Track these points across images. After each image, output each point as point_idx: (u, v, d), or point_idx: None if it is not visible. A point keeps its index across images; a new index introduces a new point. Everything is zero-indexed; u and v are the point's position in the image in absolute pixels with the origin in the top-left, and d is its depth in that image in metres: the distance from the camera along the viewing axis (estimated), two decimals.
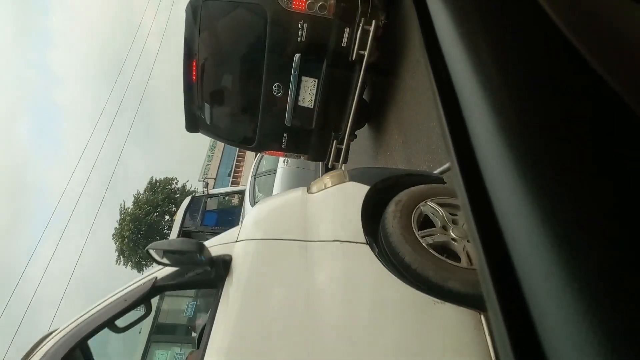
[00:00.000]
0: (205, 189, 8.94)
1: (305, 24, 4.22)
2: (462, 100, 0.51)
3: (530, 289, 0.37)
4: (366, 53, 4.26)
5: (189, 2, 4.25)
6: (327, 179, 2.70)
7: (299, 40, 4.28)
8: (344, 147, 4.90)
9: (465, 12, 0.58)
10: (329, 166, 5.17)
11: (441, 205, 2.43)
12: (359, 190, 2.53)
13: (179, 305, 3.30)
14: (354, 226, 2.30)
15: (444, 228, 2.35)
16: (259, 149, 5.26)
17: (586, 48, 0.46)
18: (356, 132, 5.03)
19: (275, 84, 4.58)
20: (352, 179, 2.64)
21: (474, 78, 0.50)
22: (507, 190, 0.41)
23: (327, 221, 2.37)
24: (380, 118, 5.24)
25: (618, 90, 0.42)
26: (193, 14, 4.30)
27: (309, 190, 2.70)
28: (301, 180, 6.86)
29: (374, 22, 4.14)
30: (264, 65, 4.48)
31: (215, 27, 4.44)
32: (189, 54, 4.52)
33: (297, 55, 4.37)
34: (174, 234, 8.39)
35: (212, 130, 5.09)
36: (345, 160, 5.06)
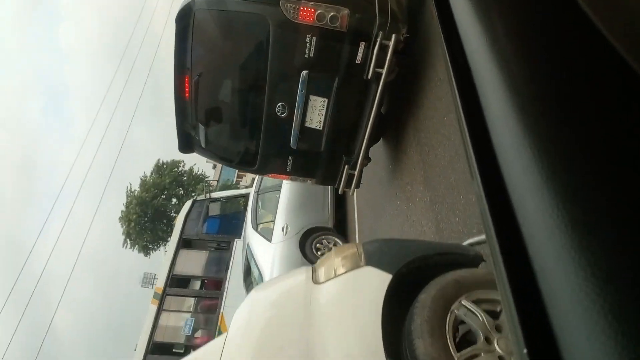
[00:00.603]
0: (207, 194, 8.45)
1: (314, 38, 3.62)
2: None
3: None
4: (384, 71, 3.67)
5: (179, 11, 3.65)
6: (337, 260, 2.16)
7: (306, 55, 3.69)
8: (356, 173, 4.35)
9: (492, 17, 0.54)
10: (339, 192, 4.63)
11: (479, 302, 1.91)
12: (378, 283, 2.00)
13: None
14: (373, 343, 1.78)
15: (487, 341, 1.83)
16: (261, 171, 4.74)
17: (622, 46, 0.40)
18: (370, 154, 4.46)
19: (280, 104, 4.01)
20: (369, 261, 2.12)
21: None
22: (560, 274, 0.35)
23: (337, 335, 1.84)
24: (398, 136, 4.66)
25: None
26: (183, 24, 3.72)
27: (315, 276, 2.16)
28: (308, 199, 6.35)
29: (393, 36, 3.54)
30: (266, 83, 3.91)
31: (210, 40, 3.86)
32: (181, 69, 3.96)
33: (304, 73, 3.79)
34: (173, 241, 7.97)
35: (208, 151, 4.55)
36: (357, 186, 4.51)
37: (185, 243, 7.95)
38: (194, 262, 8.92)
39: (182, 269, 8.48)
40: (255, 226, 6.61)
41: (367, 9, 3.59)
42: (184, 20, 3.69)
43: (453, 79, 0.57)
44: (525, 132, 0.42)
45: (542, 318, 0.35)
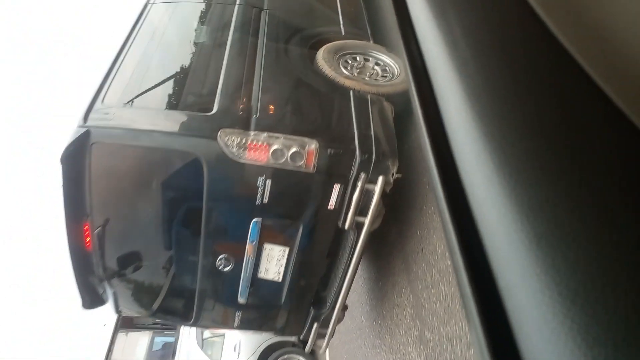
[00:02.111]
0: None
1: (269, 181, 2.54)
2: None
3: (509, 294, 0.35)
4: (367, 220, 2.65)
5: (65, 149, 2.45)
6: None
7: (257, 202, 2.60)
8: (328, 332, 3.28)
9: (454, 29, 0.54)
10: (306, 350, 3.54)
11: None
12: None
13: None
14: None
15: None
16: (199, 325, 3.58)
17: (569, 42, 0.44)
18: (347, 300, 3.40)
19: (221, 256, 2.89)
20: None
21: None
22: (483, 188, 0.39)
23: None
24: (382, 266, 3.64)
25: (592, 75, 0.41)
26: (74, 164, 2.52)
27: None
28: None
29: (380, 178, 2.52)
30: (200, 234, 2.77)
31: (117, 181, 2.69)
32: (75, 216, 2.74)
33: (256, 221, 2.69)
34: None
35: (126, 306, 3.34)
36: (328, 343, 3.45)
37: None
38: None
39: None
40: (200, 340, 5.36)
41: (342, 141, 2.56)
42: (75, 158, 2.50)
43: (413, 85, 0.57)
44: (486, 144, 0.41)
45: (509, 339, 0.34)
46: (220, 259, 2.90)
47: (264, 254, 2.90)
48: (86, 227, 2.81)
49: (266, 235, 2.79)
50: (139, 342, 8.43)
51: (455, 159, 0.45)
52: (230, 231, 2.80)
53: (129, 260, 3.04)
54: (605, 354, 0.29)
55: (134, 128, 2.48)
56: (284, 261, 2.94)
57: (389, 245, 3.32)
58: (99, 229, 2.78)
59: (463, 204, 0.42)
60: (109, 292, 3.13)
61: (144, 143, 2.47)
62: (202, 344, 5.36)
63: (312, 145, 2.50)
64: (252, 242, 2.79)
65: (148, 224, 2.83)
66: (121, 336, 8.07)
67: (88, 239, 2.86)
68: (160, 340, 8.38)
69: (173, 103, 2.78)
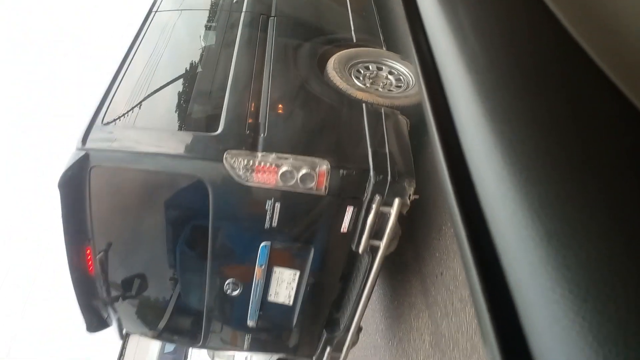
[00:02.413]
0: None
1: (278, 204, 2.40)
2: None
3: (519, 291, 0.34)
4: (382, 245, 2.49)
5: (63, 174, 2.33)
6: None
7: (266, 226, 2.46)
8: (342, 357, 3.13)
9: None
10: None
11: None
12: None
13: None
14: None
15: None
16: (208, 346, 3.46)
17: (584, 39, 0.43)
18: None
19: (229, 280, 2.75)
20: None
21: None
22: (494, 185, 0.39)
23: None
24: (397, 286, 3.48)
25: (610, 75, 0.40)
26: (73, 189, 2.40)
27: None
28: None
29: (397, 200, 2.36)
30: (207, 258, 2.64)
31: (120, 204, 2.56)
32: (76, 240, 2.64)
33: (265, 245, 2.55)
34: None
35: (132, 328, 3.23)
36: None
37: None
38: None
39: None
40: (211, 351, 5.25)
41: (355, 161, 2.40)
42: (73, 182, 2.37)
43: (422, 81, 0.57)
44: (497, 141, 0.41)
45: (519, 337, 0.34)
46: (228, 283, 2.77)
47: (274, 277, 2.76)
48: (88, 251, 2.69)
49: (276, 259, 2.65)
50: (151, 344, 8.38)
51: (465, 157, 0.44)
52: (237, 255, 2.66)
53: (134, 283, 2.92)
54: (616, 351, 0.28)
55: (135, 151, 2.36)
56: (294, 284, 2.80)
57: (405, 264, 3.16)
58: (101, 253, 2.66)
59: (473, 201, 0.41)
60: (113, 316, 3.02)
61: (146, 166, 2.34)
62: (213, 354, 5.26)
63: (323, 166, 2.35)
64: (261, 265, 2.65)
65: (152, 248, 2.71)
66: (133, 338, 8.00)
67: (90, 263, 2.74)
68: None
69: (177, 122, 2.64)
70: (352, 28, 3.51)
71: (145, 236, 2.67)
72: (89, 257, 2.71)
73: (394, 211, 2.37)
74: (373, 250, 2.56)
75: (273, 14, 3.46)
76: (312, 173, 2.34)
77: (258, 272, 2.67)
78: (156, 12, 3.44)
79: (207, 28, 3.43)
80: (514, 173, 0.38)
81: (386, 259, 2.66)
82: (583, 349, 0.29)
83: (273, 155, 2.35)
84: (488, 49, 0.47)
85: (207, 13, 3.55)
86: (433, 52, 0.56)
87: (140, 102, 2.66)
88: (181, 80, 2.91)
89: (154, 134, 2.50)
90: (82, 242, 2.64)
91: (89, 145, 2.37)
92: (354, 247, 2.57)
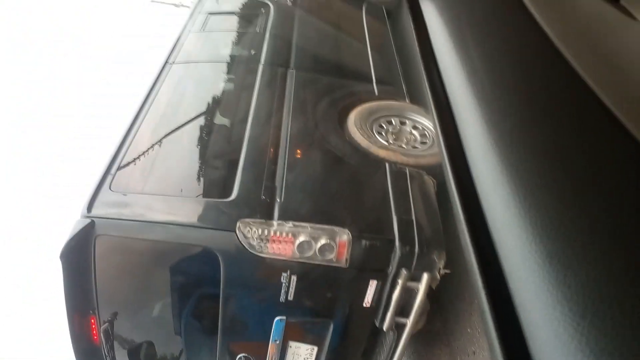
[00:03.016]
0: None
1: (294, 276, 2.19)
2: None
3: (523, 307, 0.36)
4: (409, 322, 2.25)
5: (66, 244, 2.18)
6: None
7: (281, 299, 2.25)
8: None
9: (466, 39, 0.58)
10: None
11: None
12: None
13: None
14: None
15: None
16: None
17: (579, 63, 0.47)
18: None
19: (240, 356, 2.53)
20: None
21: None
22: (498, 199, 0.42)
23: None
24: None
25: (618, 114, 0.42)
26: (77, 258, 2.24)
27: None
28: None
29: (425, 276, 2.14)
30: (217, 331, 2.43)
31: (127, 274, 2.40)
32: (79, 310, 2.46)
33: (280, 319, 2.34)
34: None
35: None
36: None
37: None
38: None
39: None
40: None
41: (379, 230, 2.20)
42: (78, 252, 2.22)
43: (433, 108, 0.60)
44: (504, 167, 0.43)
45: (523, 352, 0.35)
46: (239, 358, 2.54)
47: (289, 352, 2.54)
48: (93, 320, 2.52)
49: (292, 333, 2.43)
50: None
51: (477, 190, 0.45)
52: (250, 329, 2.46)
53: (141, 352, 2.72)
54: None
55: (144, 220, 2.20)
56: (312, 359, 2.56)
57: (433, 336, 2.90)
58: (106, 324, 2.48)
59: (480, 223, 0.43)
60: None
61: (155, 237, 2.18)
62: None
63: (344, 236, 2.16)
64: (276, 341, 2.43)
65: (160, 319, 2.52)
66: None
67: (95, 333, 2.56)
68: None
69: (188, 187, 2.49)
70: (374, 80, 3.37)
71: (152, 307, 2.49)
72: (94, 326, 2.53)
73: (422, 287, 2.16)
74: (398, 327, 2.32)
75: (292, 66, 3.35)
76: (332, 244, 2.15)
77: (272, 348, 2.45)
78: (172, 64, 3.36)
79: (223, 82, 3.34)
80: (519, 199, 0.39)
81: (413, 334, 2.42)
82: None
83: (290, 224, 2.17)
84: (507, 104, 0.48)
85: (223, 66, 3.46)
86: (452, 108, 0.56)
87: (151, 164, 2.53)
88: (194, 140, 2.79)
89: (163, 200, 2.35)
90: (86, 313, 2.47)
91: (94, 212, 2.23)
92: (377, 323, 2.34)
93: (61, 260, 2.19)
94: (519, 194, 0.40)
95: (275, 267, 2.19)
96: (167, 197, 2.39)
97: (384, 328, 2.29)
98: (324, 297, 2.30)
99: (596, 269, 0.34)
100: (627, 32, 0.50)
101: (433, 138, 2.91)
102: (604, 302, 0.32)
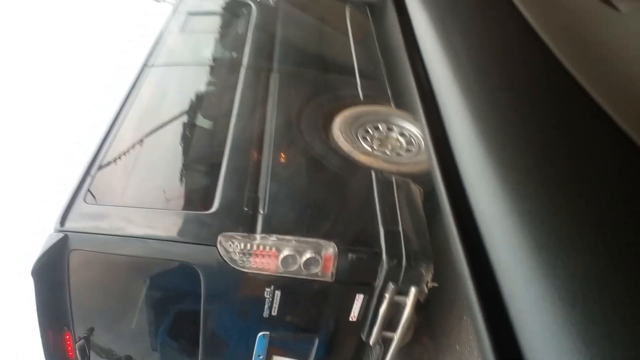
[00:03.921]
0: None
1: (278, 291, 2.13)
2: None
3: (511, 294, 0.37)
4: (396, 337, 2.20)
5: (38, 260, 2.07)
6: None
7: (265, 315, 2.19)
8: None
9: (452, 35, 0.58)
10: None
11: None
12: None
13: None
14: None
15: None
16: None
17: (563, 54, 0.47)
18: None
19: None
20: None
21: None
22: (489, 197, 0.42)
23: None
24: None
25: (600, 101, 0.43)
26: (50, 275, 2.14)
27: None
28: None
29: (413, 290, 2.10)
30: (198, 347, 2.34)
31: (103, 290, 2.31)
32: (53, 327, 2.35)
33: (263, 334, 2.27)
34: None
35: None
36: None
37: None
38: None
39: None
40: None
41: (366, 242, 2.15)
42: (50, 268, 2.12)
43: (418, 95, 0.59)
44: (491, 159, 0.43)
45: (513, 343, 0.35)
46: None
47: None
48: (67, 337, 2.41)
49: (275, 349, 2.37)
50: None
51: (462, 178, 0.45)
52: (232, 345, 2.38)
53: None
54: (603, 353, 0.30)
55: (120, 234, 2.11)
56: None
57: (421, 352, 2.85)
58: (81, 340, 2.38)
59: (467, 215, 0.43)
60: None
61: (132, 252, 2.09)
62: None
63: (330, 250, 2.10)
64: (259, 356, 2.36)
65: (138, 335, 2.43)
66: None
67: (70, 349, 2.46)
68: None
69: (167, 198, 2.40)
70: (359, 84, 3.31)
71: (130, 324, 2.39)
72: (69, 343, 2.43)
73: (409, 302, 2.11)
74: (385, 341, 2.27)
75: (275, 69, 3.27)
76: (317, 257, 2.09)
77: None
78: (150, 67, 3.25)
79: (204, 88, 3.24)
80: (507, 189, 0.40)
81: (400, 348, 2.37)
82: (571, 352, 0.31)
83: (273, 238, 2.10)
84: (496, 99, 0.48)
85: (204, 69, 3.36)
86: (441, 112, 0.56)
87: (128, 175, 2.42)
88: (173, 149, 2.68)
89: (141, 212, 2.25)
90: (60, 329, 2.36)
91: (68, 225, 2.12)
92: (364, 338, 2.29)
93: (33, 277, 2.09)
94: (506, 184, 0.40)
95: (258, 282, 2.12)
96: (145, 210, 2.29)
97: (371, 342, 2.24)
98: (309, 312, 2.24)
99: (585, 259, 0.34)
100: (610, 23, 0.51)
101: (419, 145, 2.87)
102: (594, 291, 0.33)
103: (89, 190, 2.27)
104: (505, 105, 0.48)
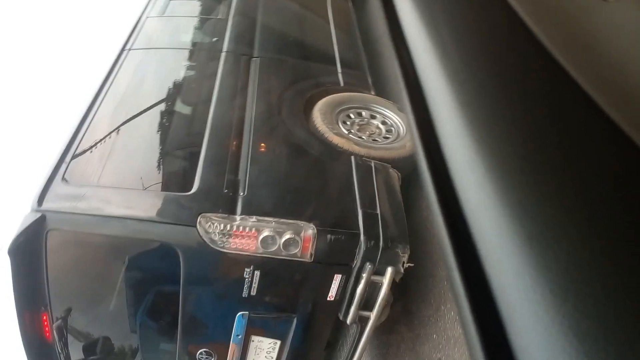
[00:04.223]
0: None
1: (257, 271, 2.16)
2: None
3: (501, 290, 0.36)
4: (372, 316, 2.26)
5: (14, 240, 2.06)
6: None
7: (244, 295, 2.22)
8: None
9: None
10: None
11: None
12: None
13: None
14: None
15: None
16: None
17: (557, 50, 0.47)
18: None
19: (201, 351, 2.48)
20: None
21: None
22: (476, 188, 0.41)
23: None
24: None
25: (583, 85, 0.43)
26: (27, 255, 2.13)
27: None
28: None
29: (389, 269, 2.15)
30: (178, 327, 2.37)
31: (81, 270, 2.30)
32: (30, 306, 2.34)
33: (242, 314, 2.30)
34: None
35: None
36: None
37: None
38: None
39: None
40: None
41: (344, 224, 2.19)
42: (27, 248, 2.11)
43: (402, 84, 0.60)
44: (479, 147, 0.42)
45: (502, 337, 0.35)
46: (201, 353, 2.49)
47: (252, 346, 2.51)
48: (44, 317, 2.41)
49: (254, 328, 2.40)
50: None
51: (448, 166, 0.46)
52: (211, 325, 2.40)
53: (96, 349, 2.63)
54: (596, 347, 0.30)
55: (99, 214, 2.10)
56: (274, 354, 2.54)
57: (399, 341, 2.92)
58: (59, 321, 2.38)
59: (454, 205, 0.42)
60: None
61: (111, 232, 2.09)
62: None
63: (309, 231, 2.14)
64: (238, 336, 2.39)
65: (117, 316, 2.43)
66: None
67: (47, 330, 2.45)
68: None
69: (147, 179, 2.40)
70: (340, 70, 3.34)
71: (108, 303, 2.39)
72: (46, 324, 2.42)
73: (386, 281, 2.17)
74: (362, 320, 2.33)
75: (256, 54, 3.27)
76: (297, 238, 2.12)
77: (233, 345, 2.41)
78: (129, 50, 3.22)
79: (184, 71, 3.22)
80: (496, 179, 0.39)
81: (377, 327, 2.44)
82: (564, 346, 0.30)
83: (253, 219, 2.12)
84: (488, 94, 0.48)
85: (184, 53, 3.34)
86: (424, 92, 0.56)
87: (107, 155, 2.41)
88: (154, 130, 2.68)
89: (120, 193, 2.25)
90: (37, 309, 2.35)
91: (46, 206, 2.11)
92: (341, 317, 2.34)
93: (9, 256, 2.07)
94: (495, 174, 0.40)
95: (238, 262, 2.14)
96: (125, 190, 2.29)
97: (348, 321, 2.29)
98: (288, 292, 2.28)
99: (578, 250, 0.34)
100: (598, 13, 0.51)
101: (398, 132, 2.92)
102: (587, 283, 0.32)
103: (67, 170, 2.26)
104: (492, 94, 0.48)
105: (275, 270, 2.17)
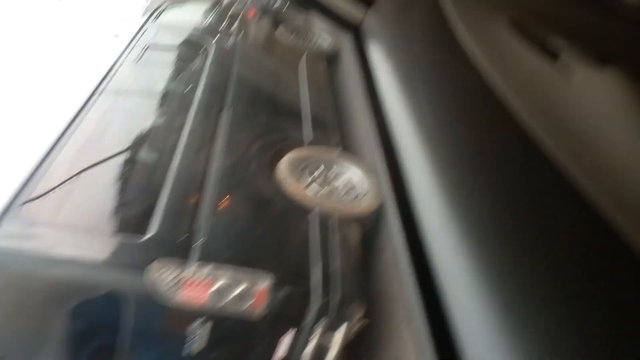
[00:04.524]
0: None
1: (204, 327, 2.08)
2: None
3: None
4: None
5: None
6: None
7: (189, 351, 2.10)
8: None
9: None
10: None
11: None
12: None
13: None
14: None
15: None
16: None
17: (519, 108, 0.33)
18: None
19: None
20: None
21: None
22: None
23: None
24: None
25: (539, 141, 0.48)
26: None
27: None
28: None
29: (343, 326, 2.09)
30: None
31: (17, 313, 2.16)
32: None
33: None
34: None
35: None
36: None
37: None
38: None
39: None
40: None
41: (300, 278, 2.16)
42: None
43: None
44: (451, 210, 0.46)
45: None
46: None
47: None
48: None
49: None
50: None
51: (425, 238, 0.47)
52: None
53: None
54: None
55: (41, 254, 2.01)
56: None
57: None
58: None
59: (425, 268, 0.45)
60: None
61: (53, 275, 2.00)
62: None
63: (264, 283, 2.08)
64: None
65: None
66: None
67: None
68: None
69: (104, 221, 2.33)
70: (310, 127, 3.41)
71: (47, 353, 2.23)
72: None
73: (340, 337, 2.10)
74: None
75: (227, 106, 3.33)
76: (251, 290, 2.06)
77: None
78: (100, 93, 3.24)
79: (153, 117, 3.25)
80: (468, 245, 0.38)
81: None
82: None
83: (209, 267, 2.06)
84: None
85: (155, 100, 3.38)
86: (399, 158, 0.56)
87: (66, 195, 2.35)
88: (116, 172, 2.64)
89: (73, 233, 2.17)
90: None
91: None
92: None
93: None
94: (469, 239, 0.45)
95: (183, 317, 2.06)
96: (79, 230, 2.21)
97: None
98: (238, 348, 2.19)
99: (548, 319, 0.32)
100: (566, 86, 0.59)
101: (363, 189, 2.95)
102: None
103: (22, 208, 2.18)
104: (466, 158, 0.50)
105: (225, 324, 2.09)
